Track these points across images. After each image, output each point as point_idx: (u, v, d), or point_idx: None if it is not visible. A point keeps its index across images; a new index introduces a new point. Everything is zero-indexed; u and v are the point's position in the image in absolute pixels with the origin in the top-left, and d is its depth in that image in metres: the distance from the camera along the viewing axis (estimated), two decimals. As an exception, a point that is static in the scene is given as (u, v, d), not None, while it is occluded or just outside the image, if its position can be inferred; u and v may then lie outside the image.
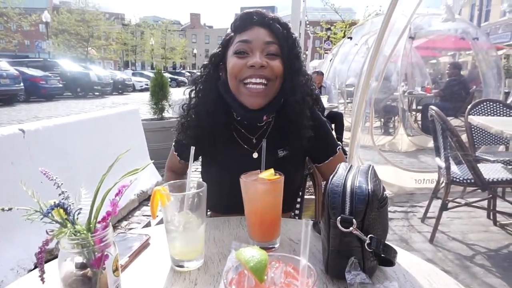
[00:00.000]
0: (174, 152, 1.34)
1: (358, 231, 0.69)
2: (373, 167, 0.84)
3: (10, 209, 0.56)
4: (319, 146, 1.26)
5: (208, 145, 1.18)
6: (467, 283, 2.35)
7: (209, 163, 1.27)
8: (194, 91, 1.24)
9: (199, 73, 1.26)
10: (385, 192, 0.76)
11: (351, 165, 0.85)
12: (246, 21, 1.15)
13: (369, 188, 0.71)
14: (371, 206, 0.70)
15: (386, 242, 0.74)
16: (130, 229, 3.26)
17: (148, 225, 2.63)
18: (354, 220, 0.68)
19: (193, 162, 1.22)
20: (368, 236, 0.69)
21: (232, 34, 1.19)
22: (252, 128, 1.23)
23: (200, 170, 1.32)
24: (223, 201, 1.18)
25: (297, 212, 1.58)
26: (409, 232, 3.13)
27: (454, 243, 2.91)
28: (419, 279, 0.75)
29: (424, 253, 2.75)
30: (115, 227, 3.27)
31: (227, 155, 1.20)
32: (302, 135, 1.17)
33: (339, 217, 0.69)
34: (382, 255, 0.72)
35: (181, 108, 1.26)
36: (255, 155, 1.20)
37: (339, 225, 0.69)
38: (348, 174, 0.78)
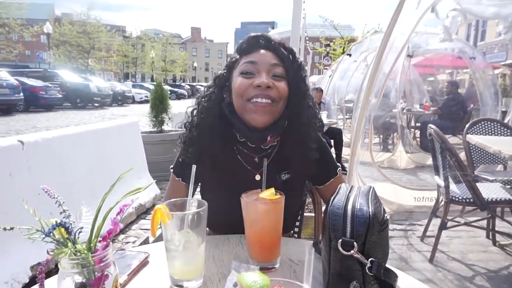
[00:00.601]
0: (176, 178, 1.27)
1: (359, 255, 0.68)
2: (373, 188, 0.84)
3: (12, 228, 0.56)
4: (320, 168, 1.26)
5: (210, 165, 1.17)
6: (466, 304, 2.32)
7: (210, 183, 1.26)
8: (196, 110, 1.23)
9: (201, 92, 1.26)
10: (385, 215, 0.76)
11: (352, 186, 0.85)
12: (253, 44, 1.17)
13: (370, 210, 0.72)
14: (372, 229, 0.70)
15: (386, 265, 0.74)
16: (127, 243, 3.22)
17: (146, 241, 2.60)
18: (355, 243, 0.68)
19: (194, 184, 1.22)
20: (369, 260, 0.69)
21: (238, 56, 1.19)
22: (255, 150, 1.22)
23: (199, 190, 1.31)
24: (223, 220, 1.17)
25: (296, 229, 1.57)
26: (408, 251, 3.10)
27: (454, 263, 2.88)
28: (420, 303, 0.75)
29: (424, 273, 2.72)
30: (112, 241, 3.23)
31: (229, 177, 1.18)
32: (309, 157, 1.17)
33: (340, 240, 0.69)
34: (383, 279, 0.71)
35: (183, 126, 1.25)
36: (258, 177, 1.19)
37: (340, 248, 0.69)
38: (349, 196, 0.78)
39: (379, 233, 0.72)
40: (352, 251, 0.68)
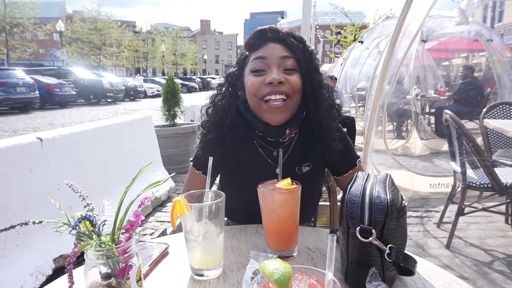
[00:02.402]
0: (197, 171, 1.26)
1: (378, 241, 0.69)
2: (390, 176, 0.84)
3: (40, 222, 0.58)
4: (340, 159, 1.22)
5: (232, 160, 1.16)
6: (486, 290, 2.30)
7: (231, 177, 1.25)
8: (211, 108, 1.22)
9: (214, 92, 1.24)
10: (403, 202, 0.76)
11: (369, 174, 0.85)
12: (260, 38, 1.14)
13: (388, 198, 0.72)
14: (390, 216, 0.70)
15: (405, 251, 0.74)
16: (144, 235, 3.29)
17: (164, 233, 2.65)
18: (373, 230, 0.69)
19: (214, 176, 1.23)
20: (388, 246, 0.69)
21: (247, 53, 1.17)
22: (275, 143, 1.21)
23: (218, 182, 1.32)
24: (243, 212, 1.18)
25: (312, 218, 1.58)
26: (424, 237, 3.09)
27: (472, 248, 2.86)
28: (439, 288, 0.75)
29: (441, 259, 2.70)
30: (129, 233, 3.30)
31: (250, 171, 1.16)
32: (332, 148, 1.15)
33: (359, 227, 0.70)
34: (402, 265, 0.71)
35: (200, 126, 1.24)
36: (278, 170, 1.17)
37: (358, 235, 0.69)
38: (366, 184, 0.78)
39: (398, 220, 0.72)
40: (370, 238, 0.69)
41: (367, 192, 0.74)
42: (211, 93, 1.26)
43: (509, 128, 2.58)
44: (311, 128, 1.16)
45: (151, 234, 3.29)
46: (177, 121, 5.47)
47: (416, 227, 3.31)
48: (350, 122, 5.93)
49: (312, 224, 1.55)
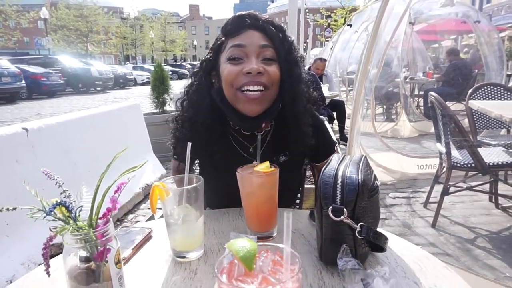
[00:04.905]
0: (176, 161, 1.30)
1: (349, 220, 0.71)
2: (365, 157, 0.87)
3: (14, 208, 0.59)
4: (318, 147, 1.21)
5: (207, 156, 1.15)
6: (468, 265, 2.38)
7: (207, 170, 1.24)
8: (186, 101, 1.18)
9: (189, 81, 1.20)
10: (376, 182, 0.79)
11: (344, 156, 0.88)
12: (239, 24, 1.08)
13: (359, 178, 0.74)
14: (361, 195, 0.72)
15: (377, 229, 0.77)
16: (137, 221, 3.32)
17: (152, 218, 2.67)
18: (345, 209, 0.71)
19: (192, 161, 1.23)
20: (359, 224, 0.72)
21: (224, 38, 1.12)
22: (250, 137, 1.18)
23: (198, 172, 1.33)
24: (222, 200, 1.18)
25: (297, 201, 1.61)
26: (411, 217, 3.16)
27: (456, 227, 2.94)
28: (410, 263, 0.78)
29: (426, 238, 2.78)
30: (121, 220, 3.33)
31: (226, 164, 1.09)
32: (305, 143, 1.15)
33: (331, 207, 0.72)
34: (373, 242, 0.74)
35: (174, 120, 1.21)
36: (255, 163, 1.19)
37: (330, 215, 0.72)
38: (339, 165, 0.80)
39: (369, 199, 0.75)
40: (342, 217, 0.71)
41: (340, 173, 0.77)
42: (186, 82, 1.22)
43: (492, 109, 2.62)
44: (287, 122, 1.14)
45: (137, 222, 3.32)
46: (167, 108, 5.44)
47: (404, 208, 3.38)
48: (340, 106, 5.98)
49: (297, 207, 1.58)
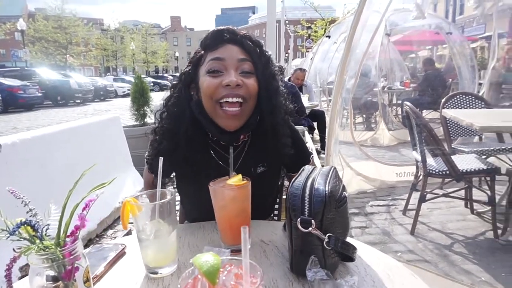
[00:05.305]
0: (150, 173, 1.29)
1: (317, 231, 0.73)
2: (334, 168, 0.89)
3: (-23, 229, 0.58)
4: (294, 158, 1.23)
5: (185, 167, 1.16)
6: (446, 271, 2.43)
7: (186, 182, 1.25)
8: (165, 113, 1.19)
9: (168, 94, 1.21)
10: (344, 193, 0.81)
11: (314, 168, 0.90)
12: (217, 38, 1.11)
13: (327, 189, 0.76)
14: (329, 206, 0.74)
15: (346, 239, 0.79)
16: (115, 237, 3.25)
17: (129, 233, 2.63)
18: (312, 220, 0.73)
19: (167, 178, 1.23)
20: (327, 235, 0.73)
21: (203, 52, 1.15)
22: (228, 147, 1.19)
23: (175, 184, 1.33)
24: (200, 213, 1.18)
25: (276, 212, 1.62)
26: (391, 225, 3.21)
27: (434, 233, 3.00)
28: (379, 272, 0.80)
29: (406, 245, 2.83)
30: (100, 236, 3.25)
31: (204, 175, 1.08)
32: (284, 153, 1.17)
33: (299, 219, 0.73)
34: (342, 252, 0.76)
35: (153, 131, 1.21)
36: (233, 174, 1.20)
37: (299, 226, 0.73)
38: (308, 177, 0.82)
39: (337, 210, 0.77)
40: (310, 228, 0.73)
41: (308, 184, 0.79)
42: (165, 94, 1.23)
43: (464, 117, 2.71)
44: (265, 133, 1.16)
45: (123, 236, 3.25)
46: (147, 120, 5.40)
47: (383, 215, 3.44)
48: (320, 116, 6.06)
49: (276, 218, 1.59)
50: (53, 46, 39.88)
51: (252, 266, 0.48)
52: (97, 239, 3.17)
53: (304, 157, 1.31)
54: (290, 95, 1.28)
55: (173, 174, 1.27)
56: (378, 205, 3.68)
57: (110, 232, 3.37)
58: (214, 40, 1.12)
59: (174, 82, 1.22)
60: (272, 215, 1.55)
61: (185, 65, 1.22)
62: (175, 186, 1.29)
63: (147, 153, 1.24)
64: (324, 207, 0.74)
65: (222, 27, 1.15)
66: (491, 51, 5.52)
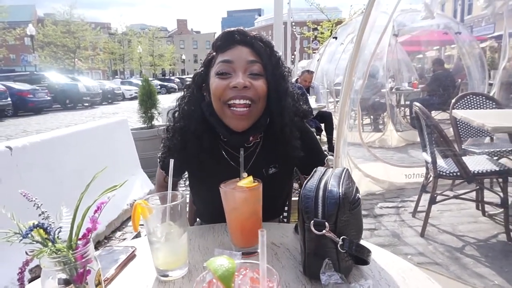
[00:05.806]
0: (161, 170, 1.32)
1: (331, 234, 0.72)
2: (347, 170, 0.88)
3: (-10, 232, 0.58)
4: (308, 159, 1.21)
5: (197, 166, 1.16)
6: (458, 274, 2.39)
7: (198, 181, 1.26)
8: (178, 112, 1.21)
9: (181, 94, 1.23)
10: (357, 194, 0.79)
11: (326, 169, 0.88)
12: (228, 40, 1.12)
13: (340, 191, 0.75)
14: (343, 208, 0.73)
15: (360, 242, 0.77)
16: (124, 239, 3.26)
17: (138, 235, 2.64)
18: (326, 223, 0.71)
19: (179, 177, 1.24)
20: (341, 238, 0.72)
21: (214, 53, 1.16)
22: (239, 148, 1.18)
23: (188, 183, 1.33)
24: (212, 212, 1.18)
25: (285, 214, 1.61)
26: (400, 227, 3.17)
27: (445, 235, 2.96)
28: (393, 275, 0.79)
29: (416, 247, 2.79)
30: (109, 238, 3.27)
31: (216, 175, 1.07)
32: (294, 155, 1.16)
33: (312, 221, 0.72)
34: (356, 255, 0.74)
35: (166, 130, 1.23)
36: (245, 174, 1.14)
37: (312, 229, 0.72)
38: (321, 179, 0.81)
39: (350, 212, 0.76)
40: (324, 231, 0.71)
41: (321, 186, 0.77)
42: (179, 95, 1.25)
43: (475, 117, 2.67)
44: (275, 135, 1.16)
45: (131, 239, 3.26)
46: (155, 122, 5.43)
47: (393, 217, 3.40)
48: (327, 117, 6.04)
49: (285, 220, 1.58)
50: (62, 51, 40.35)
51: (268, 270, 0.47)
52: (106, 241, 3.18)
53: (318, 160, 1.29)
54: (303, 96, 1.27)
55: (186, 174, 1.28)
56: (387, 207, 3.65)
57: (118, 234, 3.38)
58: (225, 41, 1.13)
59: (188, 83, 1.24)
60: (281, 216, 1.54)
61: (192, 68, 1.24)
62: (187, 184, 1.30)
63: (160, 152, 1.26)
64: (338, 209, 0.72)
65: (233, 29, 1.15)
66: (502, 50, 5.44)
